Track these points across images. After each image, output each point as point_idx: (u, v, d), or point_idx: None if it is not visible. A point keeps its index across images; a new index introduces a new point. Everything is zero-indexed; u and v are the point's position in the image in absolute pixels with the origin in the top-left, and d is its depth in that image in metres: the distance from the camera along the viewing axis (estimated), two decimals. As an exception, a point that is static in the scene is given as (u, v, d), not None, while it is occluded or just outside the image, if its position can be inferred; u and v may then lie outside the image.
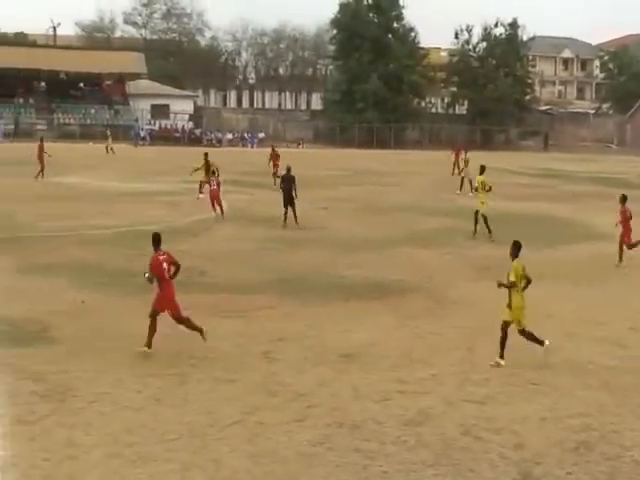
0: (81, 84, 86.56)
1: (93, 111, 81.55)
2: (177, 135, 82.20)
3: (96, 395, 11.83)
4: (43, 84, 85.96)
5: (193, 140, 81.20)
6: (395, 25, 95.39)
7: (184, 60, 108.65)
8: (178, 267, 14.08)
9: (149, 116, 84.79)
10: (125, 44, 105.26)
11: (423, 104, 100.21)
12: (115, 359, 13.37)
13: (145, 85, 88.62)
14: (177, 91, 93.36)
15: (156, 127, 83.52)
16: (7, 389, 11.99)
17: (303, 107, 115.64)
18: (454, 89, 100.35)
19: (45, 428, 10.65)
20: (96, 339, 14.48)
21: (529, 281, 13.57)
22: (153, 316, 13.71)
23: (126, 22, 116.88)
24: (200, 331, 14.04)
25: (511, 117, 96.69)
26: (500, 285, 13.43)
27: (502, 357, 13.42)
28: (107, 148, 61.66)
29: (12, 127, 73.79)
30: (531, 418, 11.35)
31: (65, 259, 21.35)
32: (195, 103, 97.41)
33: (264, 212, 31.01)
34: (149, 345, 13.63)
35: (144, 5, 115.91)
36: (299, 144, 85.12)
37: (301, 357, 13.83)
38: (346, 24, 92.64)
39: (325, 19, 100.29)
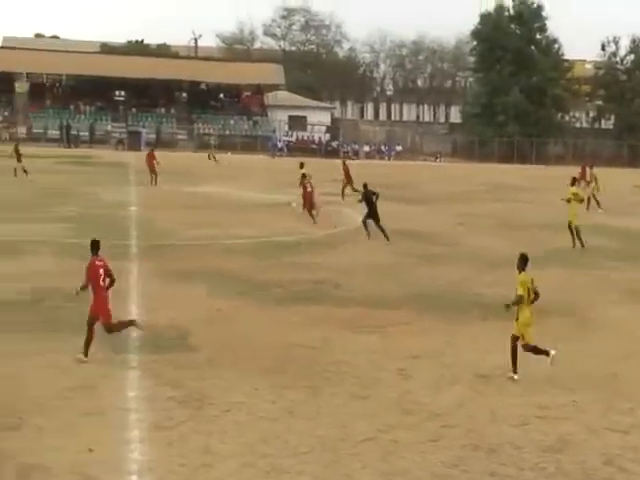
0: (221, 95, 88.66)
1: (232, 122, 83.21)
2: (314, 147, 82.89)
3: (231, 404, 12.07)
4: (184, 95, 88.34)
5: (330, 152, 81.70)
6: (538, 36, 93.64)
7: (322, 71, 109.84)
8: (113, 280, 13.89)
9: (286, 127, 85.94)
10: (264, 56, 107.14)
11: (567, 118, 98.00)
12: (251, 368, 13.61)
13: (283, 96, 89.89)
14: (315, 102, 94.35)
15: (293, 138, 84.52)
16: (146, 394, 12.38)
17: (441, 120, 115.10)
18: (600, 103, 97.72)
19: (182, 434, 10.93)
20: (233, 348, 14.78)
21: (537, 295, 13.65)
22: (90, 324, 13.70)
23: (265, 34, 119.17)
24: (132, 323, 14.29)
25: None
26: (508, 307, 13.55)
27: (515, 372, 13.47)
28: (210, 156, 62.07)
29: (154, 136, 75.79)
30: (679, 450, 10.92)
31: (205, 267, 21.88)
32: (332, 115, 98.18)
33: (401, 225, 30.94)
34: (85, 354, 13.62)
35: (283, 17, 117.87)
36: (437, 158, 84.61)
37: (437, 375, 13.74)
38: (487, 35, 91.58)
39: (465, 30, 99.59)
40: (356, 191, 30.20)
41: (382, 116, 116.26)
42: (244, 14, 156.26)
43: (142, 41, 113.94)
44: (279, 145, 79.78)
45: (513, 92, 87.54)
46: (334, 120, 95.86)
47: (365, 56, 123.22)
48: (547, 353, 13.60)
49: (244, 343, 15.08)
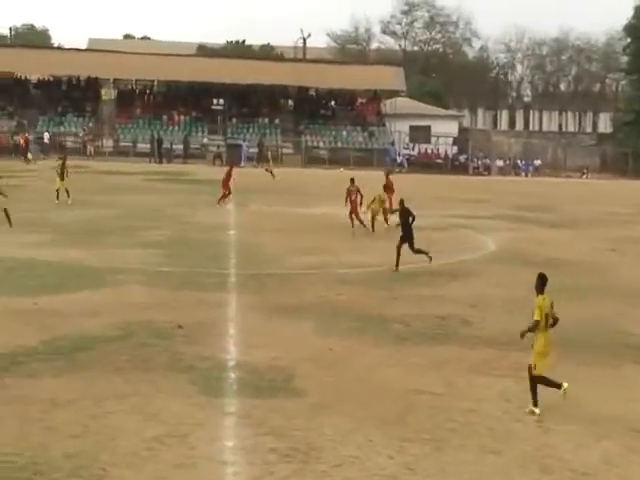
0: (332, 102, 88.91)
1: (344, 133, 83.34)
2: (439, 161, 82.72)
3: (343, 458, 12.09)
4: (290, 102, 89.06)
5: (457, 167, 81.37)
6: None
7: (448, 75, 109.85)
8: None
9: (407, 139, 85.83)
10: (382, 57, 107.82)
11: None
12: (365, 417, 13.62)
13: (403, 104, 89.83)
14: (440, 110, 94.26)
15: (415, 152, 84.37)
16: (245, 444, 12.51)
17: (588, 130, 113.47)
18: None
19: (285, 492, 11.02)
20: (344, 393, 14.82)
21: (556, 320, 14.25)
22: None
23: (384, 32, 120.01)
24: None
25: None
26: (523, 335, 14.20)
27: (535, 405, 13.97)
28: (267, 170, 62.04)
29: (256, 150, 76.48)
30: None
31: (313, 300, 22.07)
32: (460, 124, 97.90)
33: (541, 252, 30.62)
34: None
35: (404, 13, 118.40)
36: (583, 173, 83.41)
37: (581, 428, 13.52)
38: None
39: (616, 26, 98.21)
40: (394, 212, 30.40)
41: (518, 126, 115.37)
42: (359, 10, 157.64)
43: (243, 42, 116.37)
44: (398, 160, 79.77)
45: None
46: (462, 130, 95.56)
47: (499, 56, 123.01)
48: (559, 386, 14.07)
49: (357, 388, 15.11)
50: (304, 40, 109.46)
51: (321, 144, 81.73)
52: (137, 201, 43.25)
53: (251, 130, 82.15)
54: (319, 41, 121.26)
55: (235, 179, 43.83)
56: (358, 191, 34.92)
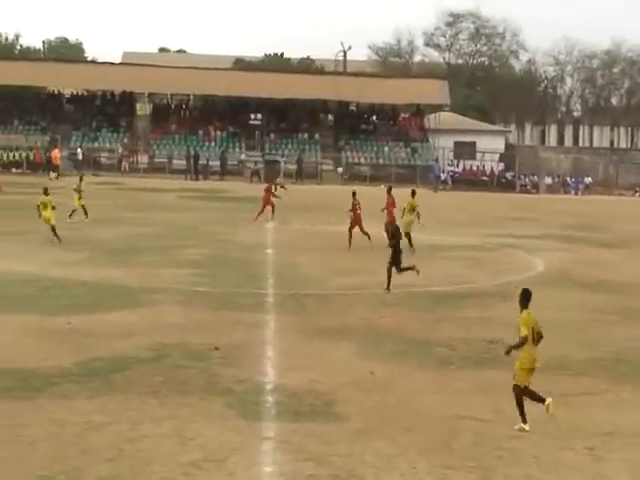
0: (373, 117, 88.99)
1: (386, 149, 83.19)
2: (484, 178, 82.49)
3: (385, 485, 12.12)
4: (330, 117, 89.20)
5: (504, 185, 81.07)
6: None
7: (494, 88, 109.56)
8: None
9: (451, 155, 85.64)
10: (425, 70, 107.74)
11: None
12: (408, 443, 13.63)
13: (447, 118, 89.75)
14: (485, 126, 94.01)
15: (459, 169, 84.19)
16: (284, 470, 12.55)
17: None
18: None
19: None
20: (387, 418, 14.84)
21: (540, 336, 14.53)
22: None
23: (427, 44, 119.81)
24: None
25: None
26: (509, 351, 14.62)
27: (525, 422, 14.30)
28: (280, 185, 61.47)
29: (294, 167, 76.54)
30: None
31: (354, 322, 22.12)
32: (507, 140, 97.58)
33: (594, 275, 30.51)
34: None
35: (448, 24, 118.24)
36: (635, 191, 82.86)
37: (637, 457, 13.43)
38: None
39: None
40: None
41: (567, 141, 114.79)
42: (402, 22, 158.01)
43: (282, 55, 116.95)
44: (442, 176, 79.67)
45: None
46: (509, 146, 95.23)
47: (547, 69, 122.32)
48: (543, 400, 14.43)
49: (400, 413, 15.12)
50: (344, 53, 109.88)
51: (362, 160, 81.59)
52: (173, 219, 43.54)
53: (290, 146, 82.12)
54: (360, 54, 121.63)
55: (276, 196, 44.09)
56: (358, 205, 35.53)
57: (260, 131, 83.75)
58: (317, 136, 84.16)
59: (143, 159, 79.50)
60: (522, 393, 14.42)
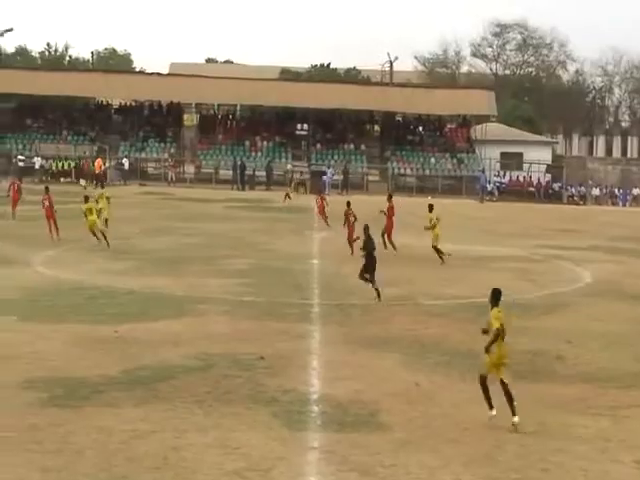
0: (420, 128, 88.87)
1: (432, 160, 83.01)
2: (531, 189, 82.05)
3: (430, 497, 12.11)
4: (377, 127, 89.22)
5: (551, 196, 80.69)
6: None
7: (541, 99, 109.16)
8: None
9: (498, 166, 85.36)
10: (472, 81, 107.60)
11: None
12: (453, 455, 13.59)
13: (494, 129, 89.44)
14: (532, 136, 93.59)
15: (506, 180, 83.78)
16: (329, 481, 12.60)
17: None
18: None
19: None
20: (431, 429, 14.82)
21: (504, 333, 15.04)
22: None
23: (474, 55, 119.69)
24: None
25: None
26: (488, 348, 14.97)
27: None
28: (286, 196, 62.06)
29: (340, 177, 76.39)
30: None
31: (399, 332, 22.12)
32: (554, 151, 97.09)
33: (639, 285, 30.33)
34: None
35: (495, 35, 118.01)
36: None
37: (687, 470, 13.32)
38: None
39: None
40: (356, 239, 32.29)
41: (615, 152, 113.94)
42: (449, 32, 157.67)
43: (328, 65, 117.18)
44: (489, 187, 79.36)
45: None
46: (556, 157, 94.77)
47: (595, 80, 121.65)
48: (491, 407, 14.98)
49: (445, 424, 15.08)
50: (391, 64, 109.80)
51: (408, 171, 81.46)
52: (219, 229, 43.75)
53: (336, 156, 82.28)
54: (406, 64, 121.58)
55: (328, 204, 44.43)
56: (352, 214, 36.20)
57: (306, 141, 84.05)
58: (363, 147, 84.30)
59: (190, 169, 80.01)
60: (482, 382, 15.08)
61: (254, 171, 77.39)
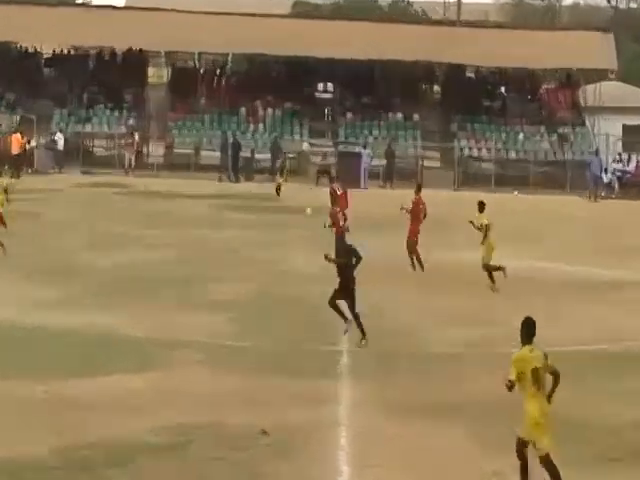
0: (501, 89, 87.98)
1: (520, 137, 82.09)
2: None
3: None
4: (437, 88, 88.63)
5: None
6: None
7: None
8: None
9: (619, 147, 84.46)
10: (580, 19, 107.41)
11: None
12: None
13: (613, 91, 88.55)
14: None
15: (630, 167, 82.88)
16: None
17: None
18: None
19: None
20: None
21: (557, 377, 15.99)
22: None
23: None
24: None
25: None
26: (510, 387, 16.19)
27: None
28: (277, 188, 62.44)
29: (382, 162, 75.48)
30: None
31: (470, 395, 22.25)
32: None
33: None
34: None
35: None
36: None
37: None
38: None
39: None
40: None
41: None
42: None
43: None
44: (605, 178, 78.75)
45: None
46: None
47: None
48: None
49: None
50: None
51: (484, 153, 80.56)
52: (202, 238, 43.86)
53: (375, 131, 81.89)
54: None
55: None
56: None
57: (331, 109, 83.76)
58: (416, 117, 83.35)
59: (157, 150, 79.58)
60: (546, 467, 15.83)
61: (253, 153, 77.11)
